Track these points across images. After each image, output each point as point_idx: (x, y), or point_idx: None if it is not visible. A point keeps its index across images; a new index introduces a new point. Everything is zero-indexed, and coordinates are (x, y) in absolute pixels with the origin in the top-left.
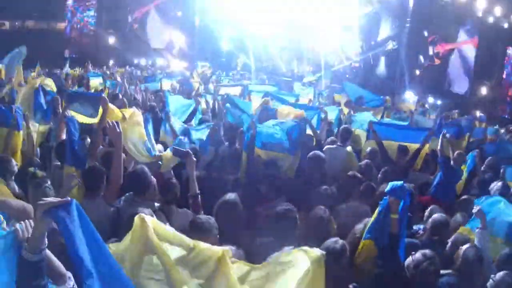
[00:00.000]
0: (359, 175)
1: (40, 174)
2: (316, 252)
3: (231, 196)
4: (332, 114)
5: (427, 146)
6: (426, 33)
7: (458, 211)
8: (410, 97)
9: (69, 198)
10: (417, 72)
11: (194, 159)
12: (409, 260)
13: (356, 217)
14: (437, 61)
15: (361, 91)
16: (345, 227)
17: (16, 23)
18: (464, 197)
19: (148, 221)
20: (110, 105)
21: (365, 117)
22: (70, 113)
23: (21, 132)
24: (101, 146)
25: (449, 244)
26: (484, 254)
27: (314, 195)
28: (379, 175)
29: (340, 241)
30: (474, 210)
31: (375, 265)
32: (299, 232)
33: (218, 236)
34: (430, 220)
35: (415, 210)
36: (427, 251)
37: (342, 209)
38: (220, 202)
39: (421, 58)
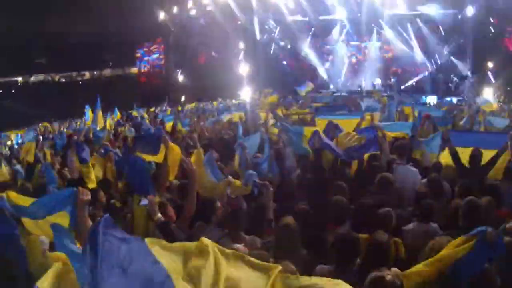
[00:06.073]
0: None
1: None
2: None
3: (287, 219)
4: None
5: (509, 152)
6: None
7: None
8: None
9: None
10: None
11: (271, 189)
12: None
13: (425, 237)
14: None
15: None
16: (413, 249)
17: (95, 72)
18: None
19: (211, 245)
20: (171, 143)
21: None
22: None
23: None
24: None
25: None
26: None
27: (374, 218)
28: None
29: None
30: None
31: None
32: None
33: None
34: None
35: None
36: None
37: (409, 230)
38: (279, 225)
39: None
